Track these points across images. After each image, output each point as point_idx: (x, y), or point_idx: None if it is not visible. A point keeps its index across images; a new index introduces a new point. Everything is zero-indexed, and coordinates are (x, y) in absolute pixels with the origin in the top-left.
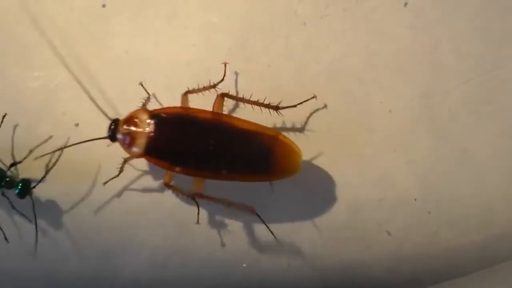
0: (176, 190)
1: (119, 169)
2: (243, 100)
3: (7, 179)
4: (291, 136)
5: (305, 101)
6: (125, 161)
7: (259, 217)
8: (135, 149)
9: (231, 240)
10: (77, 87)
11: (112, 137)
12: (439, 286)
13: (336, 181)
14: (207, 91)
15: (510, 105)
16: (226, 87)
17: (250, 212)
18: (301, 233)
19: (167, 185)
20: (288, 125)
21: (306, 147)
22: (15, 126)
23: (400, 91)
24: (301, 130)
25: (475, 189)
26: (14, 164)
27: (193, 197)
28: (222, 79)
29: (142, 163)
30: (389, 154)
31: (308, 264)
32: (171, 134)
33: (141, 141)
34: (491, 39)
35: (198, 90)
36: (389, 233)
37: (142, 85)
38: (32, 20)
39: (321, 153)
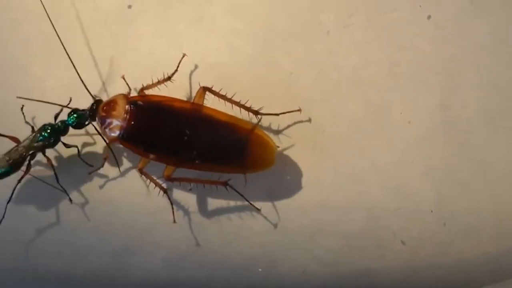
0: (149, 178)
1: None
2: (225, 98)
3: (58, 123)
4: (308, 142)
5: (289, 112)
6: (109, 147)
7: (232, 188)
8: (110, 133)
9: (247, 244)
10: (100, 86)
11: (91, 117)
12: None
13: (353, 189)
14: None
15: None
16: (243, 92)
17: (222, 185)
18: (317, 239)
19: (140, 171)
20: (307, 131)
21: (325, 153)
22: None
23: (420, 103)
24: (318, 136)
25: (490, 202)
26: (57, 116)
27: (165, 191)
28: (176, 70)
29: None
30: (406, 164)
31: (323, 271)
32: (147, 121)
33: (117, 126)
34: (510, 53)
35: (153, 85)
36: (403, 243)
37: (123, 78)
38: (57, 19)
39: (339, 160)
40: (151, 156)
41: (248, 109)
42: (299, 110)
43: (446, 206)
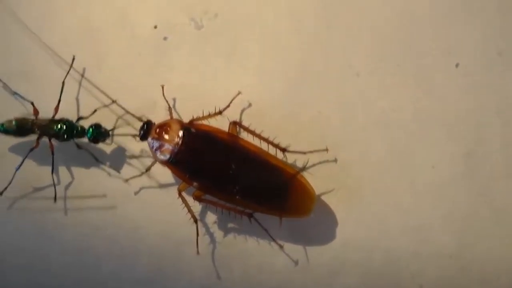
0: (184, 203)
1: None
2: (253, 133)
3: (79, 128)
4: (333, 182)
5: (316, 151)
6: (153, 163)
7: (256, 221)
8: (160, 156)
9: (268, 279)
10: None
11: (142, 137)
12: None
13: (375, 229)
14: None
15: None
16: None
17: (247, 216)
18: (336, 277)
19: (179, 193)
20: (333, 171)
21: (348, 193)
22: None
23: (444, 148)
24: (342, 176)
25: (508, 250)
26: (80, 118)
27: (195, 220)
28: (228, 106)
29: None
30: (428, 208)
31: None
32: (196, 149)
33: (168, 150)
34: None
35: (203, 118)
36: (421, 286)
37: (163, 91)
38: (93, 45)
39: (362, 201)
40: (194, 184)
41: (276, 145)
42: (326, 150)
43: (465, 251)
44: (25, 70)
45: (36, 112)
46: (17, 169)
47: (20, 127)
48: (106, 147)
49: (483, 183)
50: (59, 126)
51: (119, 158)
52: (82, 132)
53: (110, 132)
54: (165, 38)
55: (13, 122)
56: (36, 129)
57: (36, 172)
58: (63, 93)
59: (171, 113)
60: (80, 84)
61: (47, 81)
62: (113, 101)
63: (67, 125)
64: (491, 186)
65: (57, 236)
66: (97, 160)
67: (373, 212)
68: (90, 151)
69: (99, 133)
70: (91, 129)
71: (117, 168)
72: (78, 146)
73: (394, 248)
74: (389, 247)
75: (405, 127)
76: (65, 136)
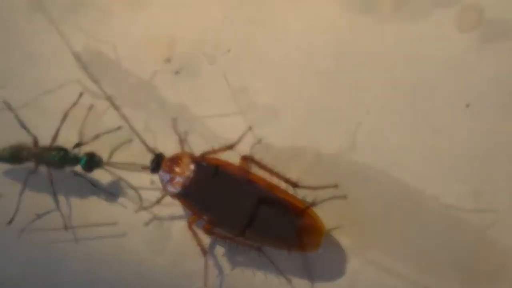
0: (194, 235)
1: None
2: (264, 167)
3: (71, 155)
4: (341, 219)
5: (325, 187)
6: (164, 195)
7: (265, 255)
8: (171, 188)
9: None
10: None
11: (153, 169)
12: None
13: (382, 267)
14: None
15: None
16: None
17: (256, 250)
18: None
19: (189, 226)
20: (342, 207)
21: (356, 231)
22: None
23: (453, 188)
24: (351, 213)
25: None
26: (78, 144)
27: (205, 253)
28: (239, 140)
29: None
30: (436, 250)
31: None
32: (207, 183)
33: (179, 183)
34: None
35: (214, 152)
36: None
37: (174, 124)
38: (105, 77)
39: (370, 238)
40: (204, 217)
41: (287, 180)
42: (336, 186)
43: None
44: (38, 102)
45: (35, 144)
46: (21, 193)
47: (14, 155)
48: (115, 177)
49: (491, 223)
50: (53, 154)
51: (128, 190)
52: (75, 161)
53: (104, 162)
54: (177, 72)
55: (7, 150)
56: (31, 157)
57: (40, 198)
58: (74, 128)
59: (182, 147)
60: (86, 116)
61: (58, 115)
62: (134, 131)
63: (62, 153)
64: (499, 226)
65: (65, 266)
66: (94, 186)
67: (381, 250)
68: (87, 178)
69: (92, 162)
70: (85, 157)
71: (127, 199)
72: (75, 173)
73: None
74: (397, 287)
75: (414, 166)
76: (59, 164)
